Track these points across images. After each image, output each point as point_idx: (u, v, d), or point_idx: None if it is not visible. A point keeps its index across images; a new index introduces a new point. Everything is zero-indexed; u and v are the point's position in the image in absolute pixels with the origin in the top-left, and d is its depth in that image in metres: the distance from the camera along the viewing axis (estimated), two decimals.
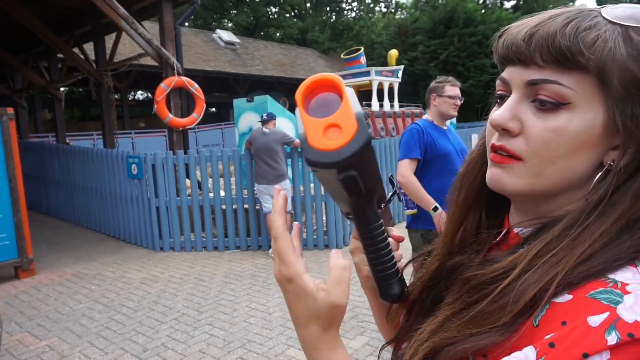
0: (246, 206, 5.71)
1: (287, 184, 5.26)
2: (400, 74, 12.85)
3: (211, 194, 5.84)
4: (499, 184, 0.51)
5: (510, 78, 0.51)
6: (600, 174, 0.48)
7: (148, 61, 9.22)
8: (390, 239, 0.62)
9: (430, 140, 2.66)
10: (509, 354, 0.43)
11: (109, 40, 9.40)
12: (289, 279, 0.49)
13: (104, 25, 8.62)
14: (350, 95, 0.42)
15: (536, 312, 0.44)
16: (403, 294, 0.55)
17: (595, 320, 0.40)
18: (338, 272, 0.49)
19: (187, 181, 5.92)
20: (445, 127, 2.79)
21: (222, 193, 5.83)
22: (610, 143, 0.47)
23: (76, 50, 9.27)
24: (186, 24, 20.36)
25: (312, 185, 5.58)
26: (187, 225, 5.78)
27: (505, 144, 0.50)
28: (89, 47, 9.98)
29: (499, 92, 0.53)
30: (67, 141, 10.58)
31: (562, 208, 0.50)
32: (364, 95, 13.72)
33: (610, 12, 0.47)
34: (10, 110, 4.86)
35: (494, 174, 0.52)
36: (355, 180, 0.42)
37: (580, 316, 0.41)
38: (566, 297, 0.43)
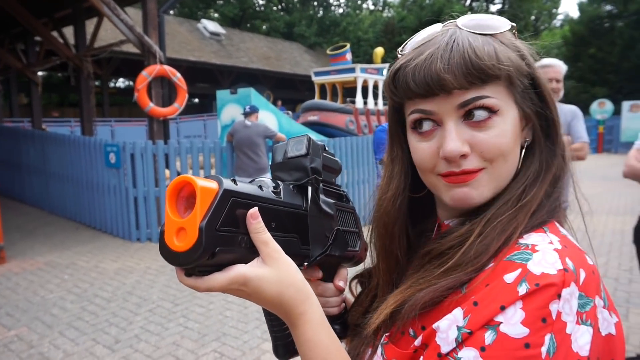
0: None
1: (267, 177, 5.24)
2: (385, 72, 12.87)
3: None
4: (468, 201, 0.55)
5: (436, 109, 0.54)
6: (522, 152, 0.57)
7: (130, 48, 9.04)
8: (330, 285, 0.66)
9: None
10: (441, 319, 0.49)
11: (90, 25, 9.17)
12: (241, 283, 0.49)
13: (85, 9, 8.40)
14: (213, 194, 0.44)
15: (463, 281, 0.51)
16: (287, 356, 0.61)
17: (509, 277, 0.47)
18: (263, 248, 0.50)
19: (167, 172, 5.84)
20: None
21: None
22: (522, 126, 0.57)
23: (55, 33, 9.02)
24: (171, 12, 20.02)
25: None
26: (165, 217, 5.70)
27: (465, 166, 0.54)
28: (69, 32, 9.72)
29: (414, 119, 0.56)
30: (44, 127, 10.32)
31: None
32: (348, 91, 13.73)
33: (468, 25, 0.56)
34: None
35: (460, 194, 0.55)
36: (202, 274, 0.47)
37: (499, 276, 0.48)
38: (489, 266, 0.51)
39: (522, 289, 0.45)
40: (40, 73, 11.43)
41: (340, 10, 35.38)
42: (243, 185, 0.48)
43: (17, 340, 3.21)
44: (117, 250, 5.40)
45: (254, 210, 0.48)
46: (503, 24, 0.56)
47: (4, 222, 5.06)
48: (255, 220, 0.48)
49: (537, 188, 0.55)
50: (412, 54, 0.55)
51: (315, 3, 34.37)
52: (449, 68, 0.51)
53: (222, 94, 7.30)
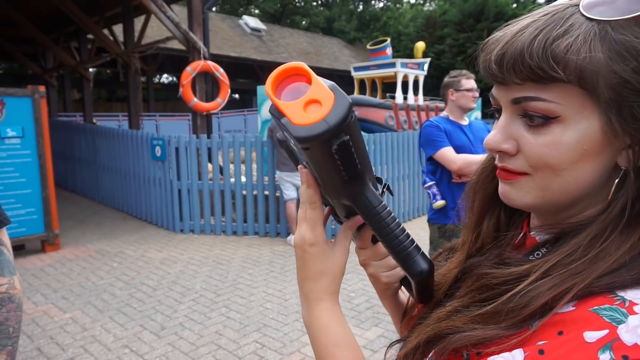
0: (266, 193, 5.75)
1: None
2: (426, 67, 12.65)
3: (232, 179, 5.89)
4: (508, 200, 0.51)
5: (497, 96, 0.50)
6: (618, 178, 0.45)
7: (175, 45, 9.31)
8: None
9: (446, 133, 2.67)
10: (499, 353, 0.43)
11: (138, 22, 9.52)
12: (312, 243, 0.56)
13: (133, 8, 8.73)
14: (318, 76, 0.44)
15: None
16: (431, 267, 0.54)
17: (592, 336, 0.38)
18: (340, 237, 0.59)
19: (209, 165, 5.98)
20: (465, 121, 2.77)
21: (243, 179, 5.88)
22: (620, 144, 0.44)
23: (106, 31, 9.42)
24: (213, 8, 20.41)
25: None
26: (207, 209, 5.86)
27: (507, 164, 0.49)
28: (118, 29, 10.12)
29: (493, 107, 0.52)
30: (94, 121, 10.81)
31: (582, 213, 0.49)
32: (388, 87, 13.58)
33: (589, 6, 0.43)
34: (42, 89, 4.98)
35: (503, 190, 0.52)
36: (350, 148, 0.43)
37: (578, 329, 0.39)
38: (569, 308, 0.42)
39: (605, 357, 0.37)
40: (91, 70, 11.98)
41: (381, 5, 35.00)
42: None
43: (72, 323, 3.39)
44: (161, 240, 5.60)
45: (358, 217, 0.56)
46: (632, 7, 0.41)
47: (58, 211, 5.35)
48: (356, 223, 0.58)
49: (630, 237, 0.43)
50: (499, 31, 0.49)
51: None
52: (501, 59, 0.45)
53: (262, 90, 7.39)
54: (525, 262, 0.48)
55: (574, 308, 0.42)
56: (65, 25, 10.16)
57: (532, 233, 0.53)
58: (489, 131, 2.78)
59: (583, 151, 0.44)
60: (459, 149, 2.62)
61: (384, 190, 0.59)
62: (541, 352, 0.40)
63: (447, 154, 2.59)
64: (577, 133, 0.44)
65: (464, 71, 2.77)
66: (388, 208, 0.52)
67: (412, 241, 0.53)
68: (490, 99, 0.52)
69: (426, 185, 2.75)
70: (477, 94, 2.71)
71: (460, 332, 0.47)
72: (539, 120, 0.45)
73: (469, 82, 2.69)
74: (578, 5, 0.44)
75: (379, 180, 0.60)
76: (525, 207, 0.51)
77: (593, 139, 0.44)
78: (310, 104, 0.42)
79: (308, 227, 0.56)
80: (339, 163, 0.44)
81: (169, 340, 3.12)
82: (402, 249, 0.52)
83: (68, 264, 4.73)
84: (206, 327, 3.32)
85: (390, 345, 0.66)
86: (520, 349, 0.41)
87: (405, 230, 0.53)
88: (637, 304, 0.39)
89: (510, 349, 0.42)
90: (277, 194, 5.67)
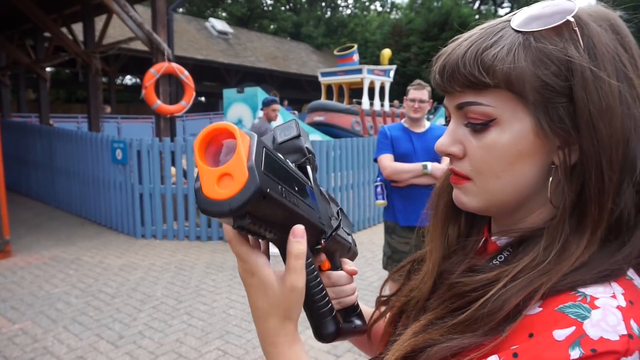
0: None
1: None
2: (392, 73, 12.89)
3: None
4: (460, 203, 0.54)
5: (446, 105, 0.54)
6: (552, 176, 0.48)
7: (138, 45, 9.08)
8: (342, 273, 0.64)
9: (392, 140, 2.89)
10: None
11: (99, 22, 9.22)
12: (251, 273, 0.49)
13: (94, 6, 8.44)
14: (248, 142, 0.42)
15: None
16: (338, 331, 0.55)
17: (560, 334, 0.40)
18: (291, 262, 0.49)
19: (172, 169, 5.85)
20: (419, 128, 2.93)
21: None
22: (552, 144, 0.47)
23: (64, 30, 9.07)
24: (179, 10, 20.08)
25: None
26: (170, 214, 5.72)
27: (455, 166, 0.53)
28: (78, 28, 9.77)
29: (446, 115, 0.56)
30: (51, 122, 10.38)
31: (531, 215, 0.51)
32: (355, 92, 13.72)
33: (516, 19, 0.48)
34: None
35: (455, 194, 0.55)
36: (253, 228, 0.42)
37: (547, 329, 0.41)
38: (536, 310, 0.44)
39: (575, 353, 0.39)
40: (48, 69, 11.51)
41: (348, 12, 35.41)
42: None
43: (22, 334, 3.22)
44: (121, 246, 5.42)
45: (300, 227, 0.48)
46: (552, 20, 0.46)
47: (10, 216, 5.09)
48: (298, 235, 0.48)
49: (584, 235, 0.45)
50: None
51: (323, 4, 34.40)
52: (443, 70, 0.51)
53: (228, 93, 7.31)
54: (494, 269, 0.49)
55: (540, 309, 0.43)
56: (20, 23, 9.72)
57: (493, 238, 0.55)
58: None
59: (518, 152, 0.48)
60: (401, 157, 2.84)
61: (336, 229, 0.59)
62: (515, 355, 0.41)
63: (383, 161, 2.84)
64: (511, 135, 0.48)
65: (417, 81, 2.95)
66: (312, 267, 0.52)
67: (326, 303, 0.55)
68: (444, 109, 0.56)
69: (375, 183, 3.00)
70: (423, 105, 2.86)
71: (438, 344, 0.47)
72: (479, 126, 0.49)
73: (415, 92, 2.85)
74: (509, 20, 0.49)
75: (335, 202, 0.63)
76: (476, 210, 0.53)
77: (527, 139, 0.47)
78: (225, 177, 0.41)
79: (241, 256, 0.49)
80: (246, 232, 0.44)
81: (127, 350, 3.01)
82: (313, 309, 0.54)
83: (19, 272, 4.50)
84: (167, 335, 3.23)
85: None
86: (495, 355, 0.43)
87: (323, 291, 0.54)
88: (597, 298, 0.42)
89: (485, 357, 0.43)
90: None
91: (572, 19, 0.45)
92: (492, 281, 0.48)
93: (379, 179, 2.99)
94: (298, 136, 0.56)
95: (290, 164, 0.50)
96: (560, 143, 0.47)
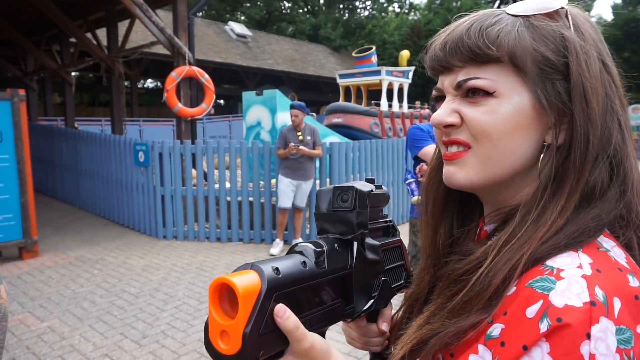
0: (251, 199, 5.72)
1: (310, 183, 5.26)
2: (410, 75, 12.80)
3: (216, 185, 5.85)
4: (453, 179, 0.54)
5: (442, 85, 0.55)
6: (543, 153, 0.51)
7: (160, 50, 9.25)
8: (372, 326, 0.66)
9: (430, 134, 2.81)
10: (469, 355, 0.45)
11: (122, 27, 9.42)
12: (311, 344, 0.46)
13: (117, 12, 8.64)
14: (254, 297, 0.42)
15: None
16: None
17: (531, 310, 0.42)
18: (293, 335, 0.45)
19: (193, 171, 5.93)
20: None
21: (228, 185, 5.84)
22: (545, 123, 0.50)
23: (89, 35, 9.30)
24: (199, 14, 20.34)
25: (328, 180, 5.59)
26: (191, 215, 5.80)
27: (454, 135, 0.54)
28: (102, 33, 10.00)
29: (433, 96, 0.57)
30: (76, 126, 10.63)
31: (519, 194, 0.53)
32: (373, 94, 13.67)
33: (512, 8, 0.52)
34: (22, 92, 4.88)
35: (448, 172, 0.55)
36: None
37: (521, 308, 0.43)
38: (512, 290, 0.46)
39: (544, 326, 0.40)
40: (73, 73, 11.80)
41: (366, 13, 35.32)
42: (285, 268, 0.46)
43: (50, 332, 3.31)
44: (144, 247, 5.52)
45: (280, 307, 0.44)
46: (546, 6, 0.50)
47: (37, 217, 5.24)
48: (284, 316, 0.44)
49: (559, 202, 0.48)
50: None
51: (341, 6, 34.41)
52: (445, 45, 0.53)
53: (247, 95, 7.37)
54: (481, 247, 0.52)
55: (515, 288, 0.45)
56: (47, 29, 10.00)
57: (485, 227, 0.58)
58: None
59: (516, 122, 0.50)
60: None
61: (358, 315, 0.58)
62: (502, 344, 0.43)
63: (431, 150, 2.72)
64: (511, 106, 0.50)
65: None
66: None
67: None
68: (434, 91, 0.57)
69: (407, 181, 2.92)
70: None
71: (439, 333, 0.49)
72: (480, 93, 0.51)
73: None
74: (503, 10, 0.53)
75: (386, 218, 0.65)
76: (470, 185, 0.54)
77: (525, 112, 0.50)
78: (225, 334, 0.42)
79: (294, 337, 0.45)
80: None
81: (150, 349, 3.07)
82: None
83: (47, 272, 4.63)
84: (189, 335, 3.27)
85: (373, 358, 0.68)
86: (484, 345, 0.45)
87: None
88: (563, 270, 0.43)
89: (477, 341, 0.45)
90: (262, 200, 5.64)
91: (565, 6, 0.51)
92: (481, 260, 0.50)
93: (409, 175, 2.92)
94: (352, 210, 0.56)
95: (315, 269, 0.49)
96: (554, 121, 0.50)
